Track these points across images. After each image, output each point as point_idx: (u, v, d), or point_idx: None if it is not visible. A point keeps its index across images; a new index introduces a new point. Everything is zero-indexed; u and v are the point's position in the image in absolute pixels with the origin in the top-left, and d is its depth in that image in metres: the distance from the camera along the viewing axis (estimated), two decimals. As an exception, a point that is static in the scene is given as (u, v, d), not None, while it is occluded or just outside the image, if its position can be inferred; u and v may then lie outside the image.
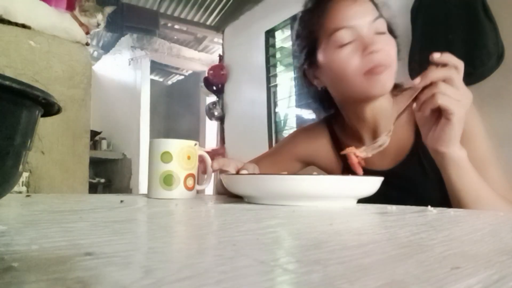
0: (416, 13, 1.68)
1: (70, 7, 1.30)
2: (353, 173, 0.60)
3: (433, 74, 0.51)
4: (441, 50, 0.53)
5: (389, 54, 0.63)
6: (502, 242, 0.24)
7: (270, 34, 3.27)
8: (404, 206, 0.48)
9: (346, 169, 0.76)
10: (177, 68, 5.35)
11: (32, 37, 1.11)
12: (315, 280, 0.14)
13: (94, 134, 3.80)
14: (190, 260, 0.18)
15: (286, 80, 3.16)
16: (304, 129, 0.88)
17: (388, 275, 0.15)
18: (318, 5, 0.69)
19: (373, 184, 0.50)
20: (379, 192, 0.52)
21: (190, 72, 5.31)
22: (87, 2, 1.20)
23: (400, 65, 0.68)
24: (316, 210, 0.43)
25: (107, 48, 4.62)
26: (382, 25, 0.65)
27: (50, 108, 0.33)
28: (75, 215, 0.37)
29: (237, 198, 0.63)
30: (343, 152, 0.60)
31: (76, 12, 1.20)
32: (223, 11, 3.73)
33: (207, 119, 4.09)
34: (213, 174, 0.71)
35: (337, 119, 0.81)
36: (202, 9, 3.73)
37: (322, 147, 0.81)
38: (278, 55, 3.29)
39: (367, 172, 0.71)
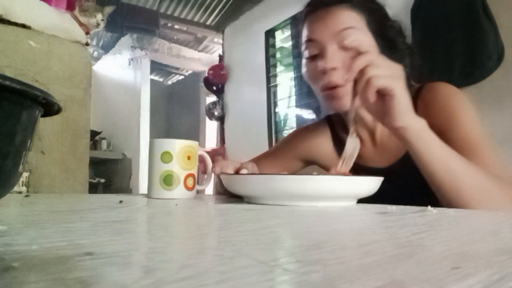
0: (416, 13, 1.68)
1: (70, 7, 1.30)
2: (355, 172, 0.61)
3: (356, 64, 0.51)
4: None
5: (344, 73, 0.62)
6: (502, 242, 0.24)
7: (270, 34, 3.27)
8: (404, 206, 0.48)
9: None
10: (177, 68, 5.35)
11: (32, 37, 1.11)
12: (315, 280, 0.14)
13: (94, 134, 3.81)
14: (190, 260, 0.18)
15: (286, 80, 3.16)
16: (304, 128, 0.88)
17: (388, 275, 0.15)
18: (303, 16, 0.72)
19: (373, 184, 0.50)
20: (378, 190, 0.52)
21: (190, 72, 5.31)
22: (87, 2, 1.20)
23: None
24: (316, 210, 0.43)
25: (107, 48, 4.62)
26: (352, 35, 0.63)
27: (50, 108, 0.33)
28: (75, 215, 0.37)
29: (237, 198, 0.63)
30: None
31: (76, 12, 1.20)
32: (223, 11, 3.73)
33: (207, 119, 4.09)
34: (213, 174, 0.71)
35: (338, 117, 0.81)
36: (202, 9, 3.74)
37: (323, 145, 0.82)
38: (278, 55, 3.29)
39: (366, 170, 0.71)
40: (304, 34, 0.69)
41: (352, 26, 0.64)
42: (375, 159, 0.72)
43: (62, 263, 0.16)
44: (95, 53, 4.69)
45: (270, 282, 0.14)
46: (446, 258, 0.18)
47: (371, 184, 0.50)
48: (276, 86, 3.24)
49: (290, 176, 0.48)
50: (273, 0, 3.19)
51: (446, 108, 0.63)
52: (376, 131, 0.73)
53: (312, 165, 0.85)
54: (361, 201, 0.53)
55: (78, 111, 1.19)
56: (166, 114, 6.06)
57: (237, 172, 0.64)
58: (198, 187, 0.67)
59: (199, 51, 4.72)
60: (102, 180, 4.32)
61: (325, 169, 0.83)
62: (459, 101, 0.63)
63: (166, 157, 0.62)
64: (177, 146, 0.63)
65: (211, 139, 4.40)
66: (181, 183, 0.62)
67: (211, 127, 4.39)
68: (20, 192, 1.01)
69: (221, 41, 3.97)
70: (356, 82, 0.53)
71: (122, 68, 4.39)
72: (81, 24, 1.21)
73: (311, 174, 0.51)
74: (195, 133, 4.62)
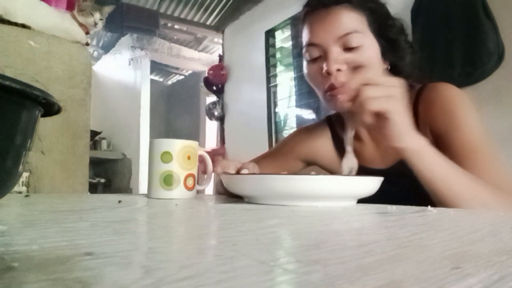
0: (416, 14, 1.68)
1: (70, 7, 1.30)
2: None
3: (352, 83, 0.51)
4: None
5: (348, 74, 0.63)
6: (502, 242, 0.24)
7: (270, 34, 3.27)
8: (404, 206, 0.48)
9: None
10: (177, 68, 5.35)
11: (32, 37, 1.11)
12: (315, 280, 0.14)
13: (94, 134, 3.81)
14: (190, 260, 0.18)
15: (286, 80, 3.16)
16: (305, 128, 0.88)
17: (388, 275, 0.15)
18: (302, 17, 0.71)
19: (373, 184, 0.50)
20: (379, 190, 0.52)
21: (190, 72, 5.31)
22: (85, 2, 1.20)
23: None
24: (316, 210, 0.43)
25: (107, 48, 4.62)
26: (355, 39, 0.63)
27: (50, 108, 0.33)
28: (75, 215, 0.37)
29: (237, 198, 0.63)
30: None
31: (74, 12, 1.21)
32: (223, 11, 3.73)
33: (207, 119, 4.09)
34: (213, 174, 0.71)
35: (338, 118, 0.81)
36: (202, 9, 3.74)
37: (323, 146, 0.82)
38: (278, 55, 3.29)
39: (368, 170, 0.71)
40: (305, 37, 0.68)
41: (355, 30, 0.63)
42: (375, 159, 0.72)
43: (62, 263, 0.16)
44: (95, 53, 4.69)
45: (270, 282, 0.14)
46: (446, 258, 0.18)
47: (371, 184, 0.50)
48: (276, 86, 3.24)
49: (290, 176, 0.48)
50: (273, 0, 3.19)
51: (447, 110, 0.63)
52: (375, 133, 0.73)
53: (312, 165, 0.85)
54: (361, 201, 0.53)
55: (78, 111, 1.19)
56: (166, 114, 6.06)
57: (238, 172, 0.64)
58: (198, 187, 0.67)
59: (199, 51, 4.72)
60: (102, 180, 4.33)
61: (325, 169, 0.83)
62: (461, 103, 0.63)
63: (166, 157, 0.62)
64: (177, 146, 0.63)
65: (211, 139, 4.40)
66: (181, 183, 0.62)
67: (211, 127, 4.39)
68: (20, 192, 1.01)
69: (221, 41, 3.97)
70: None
71: (122, 68, 4.40)
72: (81, 24, 1.21)
73: (310, 174, 0.51)
74: (195, 133, 4.62)
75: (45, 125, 1.11)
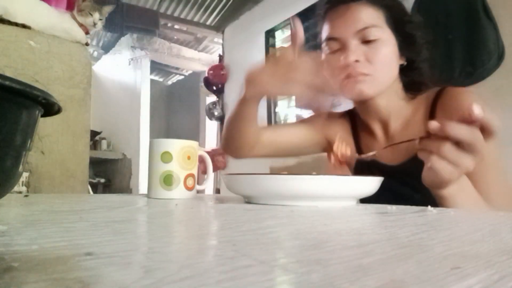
0: (416, 13, 1.68)
1: (70, 7, 1.30)
2: (363, 170, 0.62)
3: (451, 130, 0.44)
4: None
5: (366, 65, 0.66)
6: (502, 242, 0.24)
7: (270, 34, 3.27)
8: (404, 206, 0.48)
9: (360, 162, 0.77)
10: (177, 68, 5.36)
11: (32, 37, 1.11)
12: (315, 280, 0.14)
13: (94, 134, 3.81)
14: (190, 260, 0.18)
15: (286, 80, 3.15)
16: (330, 113, 0.90)
17: (388, 275, 0.15)
18: (323, 14, 0.74)
19: (373, 184, 0.50)
20: (386, 187, 0.52)
21: (190, 72, 5.31)
22: (84, 2, 1.20)
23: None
24: (316, 210, 0.43)
25: (107, 48, 4.63)
26: (373, 33, 0.66)
27: (50, 108, 0.33)
28: (75, 215, 0.37)
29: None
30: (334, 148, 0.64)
31: (75, 12, 1.21)
32: (223, 11, 3.73)
33: (207, 119, 4.09)
34: (213, 174, 0.71)
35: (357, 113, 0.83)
36: (202, 9, 3.74)
37: (342, 133, 0.82)
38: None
39: (378, 165, 0.71)
40: (325, 31, 0.72)
41: (372, 24, 0.67)
42: (387, 155, 0.72)
43: (62, 263, 0.16)
44: (95, 53, 4.69)
45: (270, 282, 0.14)
46: (446, 258, 0.18)
47: (371, 184, 0.50)
48: (276, 86, 3.23)
49: (290, 176, 0.48)
50: (273, 0, 3.19)
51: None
52: (390, 127, 0.73)
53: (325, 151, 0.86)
54: (366, 199, 0.53)
55: (78, 111, 1.19)
56: (166, 114, 6.06)
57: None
58: (198, 187, 0.67)
59: (199, 51, 4.72)
60: (102, 180, 4.33)
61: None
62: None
63: (166, 157, 0.62)
64: (177, 146, 0.63)
65: (211, 139, 4.40)
66: (181, 183, 0.62)
67: (211, 127, 4.39)
68: (20, 192, 1.01)
69: (221, 41, 3.97)
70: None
71: (122, 68, 4.40)
72: (80, 24, 1.21)
73: (311, 174, 0.51)
74: (195, 133, 4.62)
75: (45, 125, 1.11)
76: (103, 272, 0.15)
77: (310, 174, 0.49)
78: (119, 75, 4.54)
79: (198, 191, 0.68)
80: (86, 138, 1.22)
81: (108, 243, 0.21)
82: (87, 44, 1.26)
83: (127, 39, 4.27)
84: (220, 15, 3.80)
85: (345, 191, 0.49)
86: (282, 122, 3.19)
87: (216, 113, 3.78)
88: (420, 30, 0.71)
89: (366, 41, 0.67)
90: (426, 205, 0.46)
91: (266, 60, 0.68)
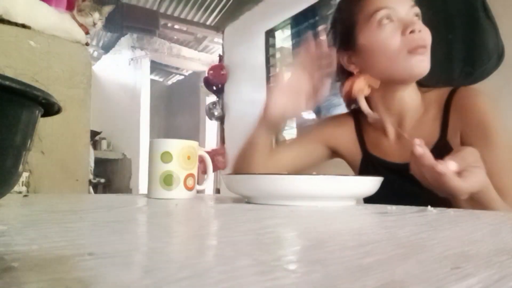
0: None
1: (70, 7, 1.30)
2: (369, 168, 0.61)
3: (462, 161, 0.47)
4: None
5: (427, 37, 0.65)
6: (502, 242, 0.24)
7: (270, 34, 3.26)
8: (404, 206, 0.48)
9: (365, 161, 0.76)
10: (177, 68, 5.35)
11: (32, 37, 1.11)
12: (315, 280, 0.14)
13: (94, 134, 3.81)
14: (190, 260, 0.18)
15: (286, 80, 3.15)
16: (331, 117, 0.89)
17: (388, 275, 0.15)
18: None
19: (373, 184, 0.50)
20: (393, 185, 0.51)
21: (190, 72, 5.31)
22: (84, 2, 1.20)
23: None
24: (316, 210, 0.43)
25: (107, 48, 4.63)
26: (419, 12, 0.67)
27: (50, 108, 0.33)
28: (75, 215, 0.37)
29: None
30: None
31: (75, 11, 1.20)
32: (223, 11, 3.73)
33: (207, 119, 4.09)
34: (213, 174, 0.71)
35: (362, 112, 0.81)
36: (202, 9, 3.74)
37: (346, 134, 0.82)
38: (278, 55, 3.29)
39: (384, 164, 0.71)
40: (373, 3, 0.68)
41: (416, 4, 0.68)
42: (394, 153, 0.72)
43: (62, 263, 0.16)
44: (95, 53, 4.69)
45: (270, 282, 0.14)
46: (446, 258, 0.18)
47: (371, 184, 0.50)
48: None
49: (290, 176, 0.48)
50: (273, 0, 3.19)
51: (483, 125, 0.62)
52: (405, 123, 0.71)
53: (336, 156, 0.85)
54: (371, 199, 0.53)
55: (78, 111, 1.19)
56: (166, 114, 6.06)
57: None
58: (198, 187, 0.67)
59: (199, 51, 4.72)
60: (102, 180, 4.33)
61: (345, 159, 0.83)
62: (496, 118, 0.63)
63: (166, 157, 0.62)
64: (177, 146, 0.63)
65: (211, 139, 4.40)
66: (181, 183, 0.62)
67: (211, 127, 4.39)
68: (20, 192, 1.01)
69: (221, 41, 3.97)
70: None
71: (122, 68, 4.40)
72: (80, 24, 1.21)
73: (311, 174, 0.51)
74: (195, 133, 4.62)
75: (45, 125, 1.11)
76: (103, 272, 0.15)
77: (310, 174, 0.49)
78: (119, 75, 4.54)
79: (198, 191, 0.68)
80: (86, 138, 1.22)
81: (108, 243, 0.21)
82: (87, 44, 1.26)
83: (127, 39, 4.27)
84: (220, 15, 3.80)
85: (345, 191, 0.49)
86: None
87: (216, 113, 3.78)
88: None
89: (417, 16, 0.67)
90: (434, 204, 0.46)
91: (279, 83, 0.66)
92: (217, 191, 3.63)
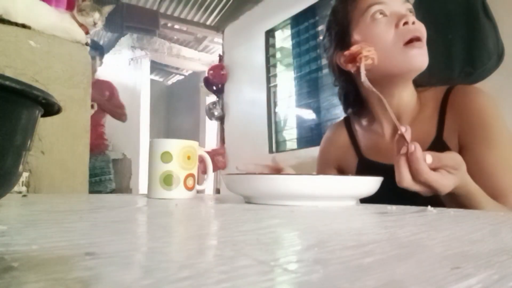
0: (416, 13, 1.68)
1: (70, 7, 1.30)
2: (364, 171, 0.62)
3: (438, 160, 0.48)
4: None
5: (421, 29, 0.65)
6: (502, 242, 0.24)
7: (270, 34, 3.27)
8: (404, 206, 0.48)
9: (361, 166, 0.76)
10: (177, 68, 5.36)
11: (32, 37, 1.11)
12: (315, 280, 0.14)
13: (94, 134, 3.80)
14: (190, 260, 0.18)
15: (286, 80, 3.16)
16: (325, 138, 0.88)
17: (388, 275, 0.15)
18: None
19: (373, 184, 0.50)
20: (389, 187, 0.51)
21: (190, 72, 5.31)
22: (84, 2, 1.20)
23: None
24: (316, 210, 0.43)
25: (107, 48, 4.62)
26: (412, 8, 0.67)
27: (50, 108, 0.33)
28: (75, 215, 0.37)
29: None
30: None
31: (75, 11, 1.20)
32: (223, 11, 3.73)
33: (207, 119, 4.09)
34: (213, 174, 0.71)
35: (359, 115, 0.81)
36: (202, 9, 3.74)
37: (342, 147, 0.82)
38: (278, 55, 3.29)
39: (379, 166, 0.71)
40: (362, 3, 0.69)
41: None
42: (388, 156, 0.72)
43: (62, 263, 0.16)
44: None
45: (270, 282, 0.14)
46: (446, 258, 0.18)
47: (371, 184, 0.50)
48: (276, 86, 3.24)
49: (290, 176, 0.48)
50: (273, 0, 3.19)
51: (481, 123, 0.62)
52: (401, 122, 0.71)
53: (340, 173, 0.85)
54: (368, 200, 0.53)
55: (78, 111, 1.19)
56: (166, 114, 6.06)
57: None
58: (198, 187, 0.67)
59: (199, 51, 4.72)
60: (102, 180, 4.31)
61: (343, 168, 0.83)
62: (495, 116, 0.62)
63: (166, 157, 0.62)
64: (177, 146, 0.63)
65: (211, 139, 4.40)
66: (181, 183, 0.62)
67: (211, 127, 4.40)
68: (20, 192, 1.01)
69: (221, 41, 3.97)
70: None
71: (122, 68, 4.40)
72: (80, 24, 1.21)
73: (311, 174, 0.51)
74: (195, 133, 4.63)
75: (45, 125, 1.11)
76: (103, 272, 0.15)
77: (310, 174, 0.49)
78: (119, 75, 4.54)
79: (198, 191, 0.68)
80: (86, 138, 1.22)
81: (108, 243, 0.21)
82: (87, 44, 1.26)
83: (127, 39, 4.27)
84: (220, 15, 3.80)
85: (345, 191, 0.49)
86: (282, 122, 3.19)
87: (216, 113, 3.78)
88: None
89: (410, 11, 0.67)
90: (430, 205, 0.46)
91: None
92: (217, 191, 3.63)
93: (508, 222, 0.34)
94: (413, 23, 0.64)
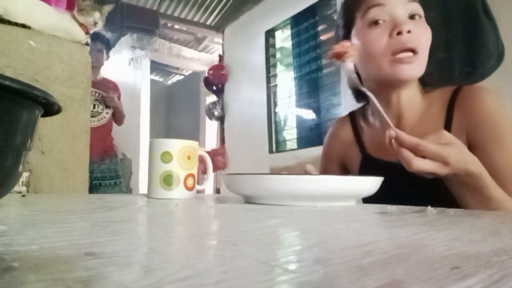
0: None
1: (70, 7, 1.30)
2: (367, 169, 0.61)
3: (428, 147, 0.50)
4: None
5: (418, 39, 0.63)
6: (502, 242, 0.24)
7: (270, 34, 3.27)
8: (404, 206, 0.48)
9: (364, 163, 0.76)
10: (177, 68, 5.36)
11: (32, 37, 1.11)
12: (315, 280, 0.14)
13: (94, 134, 3.80)
14: (190, 260, 0.18)
15: (286, 80, 3.16)
16: (329, 133, 0.88)
17: (388, 275, 0.15)
18: None
19: (373, 184, 0.50)
20: (393, 185, 0.51)
21: (190, 72, 5.31)
22: (84, 1, 1.20)
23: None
24: (316, 210, 0.43)
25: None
26: (417, 8, 0.65)
27: (50, 108, 0.33)
28: (75, 215, 0.37)
29: None
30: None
31: (75, 11, 1.20)
32: (223, 11, 3.73)
33: (207, 119, 4.09)
34: (213, 174, 0.71)
35: (365, 110, 0.81)
36: (202, 9, 3.74)
37: (346, 143, 0.82)
38: (278, 55, 3.29)
39: (384, 164, 0.71)
40: (367, 1, 0.67)
41: (419, 1, 0.66)
42: (392, 153, 0.72)
43: (62, 263, 0.16)
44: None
45: (270, 282, 0.14)
46: (446, 258, 0.18)
47: (371, 184, 0.50)
48: (276, 86, 3.24)
49: (290, 176, 0.48)
50: (273, 0, 3.19)
51: (491, 124, 0.62)
52: (403, 119, 0.71)
53: (344, 171, 0.85)
54: (368, 199, 0.53)
55: (78, 111, 1.19)
56: (166, 114, 6.06)
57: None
58: (198, 187, 0.67)
59: (199, 51, 4.73)
60: (102, 180, 4.31)
61: (349, 166, 0.82)
62: (504, 116, 0.62)
63: (166, 157, 0.62)
64: (177, 146, 0.63)
65: (211, 139, 4.40)
66: (181, 183, 0.62)
67: (211, 127, 4.40)
68: (20, 192, 1.01)
69: (221, 41, 3.97)
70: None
71: (122, 68, 4.40)
72: (80, 24, 1.21)
73: (310, 174, 0.51)
74: (195, 133, 4.63)
75: (45, 125, 1.11)
76: (103, 272, 0.15)
77: (310, 174, 0.49)
78: (119, 75, 4.54)
79: (198, 191, 0.68)
80: (86, 138, 1.22)
81: (108, 243, 0.21)
82: (87, 44, 1.26)
83: (127, 39, 4.27)
84: (220, 15, 3.80)
85: (345, 191, 0.49)
86: (282, 122, 3.19)
87: (216, 113, 3.78)
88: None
89: (411, 17, 0.64)
90: (435, 203, 0.46)
91: None
92: (217, 191, 3.63)
93: (508, 222, 0.34)
94: (409, 31, 0.62)
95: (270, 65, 3.24)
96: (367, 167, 0.75)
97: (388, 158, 0.71)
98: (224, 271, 0.15)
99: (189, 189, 0.64)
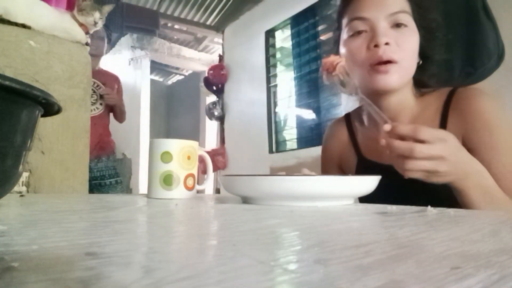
0: (416, 14, 1.68)
1: (70, 7, 1.30)
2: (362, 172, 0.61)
3: (399, 129, 0.51)
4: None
5: (396, 50, 0.63)
6: (502, 242, 0.24)
7: (270, 34, 3.27)
8: (404, 206, 0.48)
9: (360, 165, 0.76)
10: (177, 68, 5.36)
11: (32, 37, 1.11)
12: (315, 280, 0.14)
13: (94, 134, 3.80)
14: (190, 260, 0.18)
15: (286, 80, 3.16)
16: (326, 135, 0.88)
17: (388, 275, 0.15)
18: None
19: (372, 183, 0.50)
20: (388, 188, 0.51)
21: (190, 72, 5.31)
22: (84, 1, 1.20)
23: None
24: (316, 210, 0.43)
25: (107, 48, 4.62)
26: (404, 18, 0.65)
27: (50, 108, 0.33)
28: (75, 215, 0.37)
29: None
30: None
31: (75, 11, 1.21)
32: (223, 11, 3.73)
33: (207, 119, 4.09)
34: (213, 174, 0.71)
35: (359, 112, 0.81)
36: (202, 9, 3.74)
37: (343, 144, 0.82)
38: (278, 55, 3.29)
39: (380, 166, 0.71)
40: (351, 11, 0.68)
41: (404, 10, 0.66)
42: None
43: (62, 263, 0.16)
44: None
45: (270, 282, 0.14)
46: (446, 258, 0.18)
47: (370, 183, 0.50)
48: (276, 86, 3.24)
49: (290, 176, 0.48)
50: (273, 0, 3.19)
51: (486, 126, 0.61)
52: (399, 120, 0.71)
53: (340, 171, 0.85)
54: (365, 199, 0.53)
55: (78, 111, 1.19)
56: (166, 114, 6.06)
57: None
58: (198, 187, 0.67)
59: (199, 51, 4.73)
60: (102, 180, 4.31)
61: (343, 167, 0.82)
62: (501, 118, 0.62)
63: (166, 157, 0.62)
64: (177, 146, 0.63)
65: (211, 139, 4.40)
66: (181, 183, 0.62)
67: (211, 127, 4.40)
68: (20, 192, 1.01)
69: (221, 41, 3.97)
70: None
71: (122, 68, 4.40)
72: (80, 24, 1.21)
73: (310, 174, 0.51)
74: (195, 133, 4.63)
75: (45, 125, 1.11)
76: (103, 272, 0.15)
77: (310, 174, 0.49)
78: (119, 75, 4.54)
79: (198, 191, 0.68)
80: (86, 138, 1.22)
81: (108, 243, 0.21)
82: (87, 44, 1.26)
83: (127, 39, 4.28)
84: (220, 15, 3.80)
85: (345, 191, 0.49)
86: (282, 122, 3.19)
87: (216, 113, 3.78)
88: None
89: (395, 26, 0.65)
90: (431, 205, 0.46)
91: None
92: (217, 191, 3.63)
93: (508, 222, 0.34)
94: (387, 43, 0.63)
95: (270, 65, 3.24)
96: (363, 170, 0.75)
97: (383, 161, 0.71)
98: (224, 271, 0.15)
99: (189, 189, 0.64)
